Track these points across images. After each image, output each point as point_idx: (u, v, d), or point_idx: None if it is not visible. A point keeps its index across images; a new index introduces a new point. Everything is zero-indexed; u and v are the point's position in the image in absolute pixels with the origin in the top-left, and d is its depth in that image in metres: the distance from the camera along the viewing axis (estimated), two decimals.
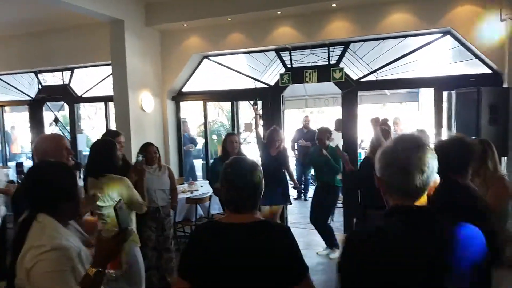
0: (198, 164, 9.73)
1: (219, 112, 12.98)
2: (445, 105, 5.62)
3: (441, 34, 5.51)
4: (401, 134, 1.48)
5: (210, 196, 5.42)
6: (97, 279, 1.70)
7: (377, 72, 5.96)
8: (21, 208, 2.21)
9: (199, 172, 9.25)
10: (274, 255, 1.64)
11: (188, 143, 8.38)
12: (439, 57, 5.75)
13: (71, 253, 1.66)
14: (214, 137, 11.54)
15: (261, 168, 1.82)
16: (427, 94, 8.55)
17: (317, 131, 5.65)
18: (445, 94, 5.59)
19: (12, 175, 7.64)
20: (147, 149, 4.47)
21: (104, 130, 7.71)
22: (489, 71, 5.30)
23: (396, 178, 1.36)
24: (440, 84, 5.59)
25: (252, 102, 5.75)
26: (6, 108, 9.60)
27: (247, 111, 8.74)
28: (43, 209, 1.76)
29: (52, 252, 1.61)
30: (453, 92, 5.16)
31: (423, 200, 1.38)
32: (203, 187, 6.08)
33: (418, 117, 9.59)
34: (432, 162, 1.35)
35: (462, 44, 5.37)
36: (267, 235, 1.70)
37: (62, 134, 8.15)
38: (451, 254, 1.29)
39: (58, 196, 1.78)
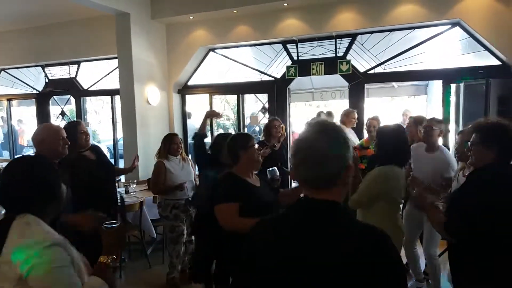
0: None
1: (225, 105, 12.95)
2: (453, 98, 5.56)
3: (450, 26, 5.43)
4: (310, 121, 1.37)
5: None
6: (113, 265, 1.76)
7: (385, 64, 5.90)
8: None
9: None
10: None
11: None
12: (448, 49, 5.67)
13: (70, 247, 1.59)
14: (221, 130, 11.53)
15: None
16: (436, 87, 8.46)
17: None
18: (453, 86, 5.53)
19: None
20: (172, 139, 4.41)
21: (110, 124, 7.76)
22: (498, 62, 5.22)
23: (299, 168, 1.26)
24: (448, 76, 5.52)
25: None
26: (13, 102, 9.65)
27: (253, 104, 8.71)
28: (26, 208, 1.59)
29: (53, 248, 1.50)
30: (461, 84, 5.10)
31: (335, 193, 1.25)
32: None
33: (428, 111, 9.51)
34: (336, 149, 1.22)
35: (471, 35, 5.29)
36: None
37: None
38: (319, 254, 1.16)
39: (43, 193, 1.63)
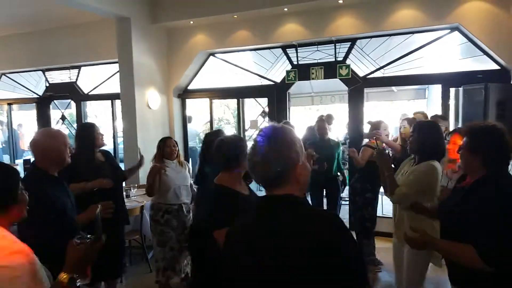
0: None
1: (225, 109, 12.97)
2: (452, 102, 5.59)
3: (449, 30, 5.46)
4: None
5: None
6: (70, 285, 1.59)
7: (384, 68, 5.93)
8: None
9: None
10: None
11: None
12: (447, 53, 5.70)
13: (34, 256, 1.51)
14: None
15: None
16: (435, 92, 8.49)
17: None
18: (452, 90, 5.55)
19: (20, 171, 7.70)
20: (165, 142, 4.35)
21: (111, 129, 7.78)
22: (497, 67, 5.25)
23: (251, 172, 1.42)
24: (447, 80, 5.55)
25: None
26: (14, 106, 9.67)
27: (252, 108, 8.74)
28: None
29: (17, 255, 1.45)
30: (460, 89, 5.12)
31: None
32: None
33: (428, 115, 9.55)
34: (277, 152, 1.34)
35: (470, 40, 5.32)
36: None
37: (69, 131, 8.21)
38: (281, 247, 1.27)
39: (5, 199, 1.60)
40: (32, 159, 2.72)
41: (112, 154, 4.13)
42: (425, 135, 2.98)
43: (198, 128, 9.81)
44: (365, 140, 5.08)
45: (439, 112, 5.54)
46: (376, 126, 4.88)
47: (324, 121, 5.67)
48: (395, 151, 4.76)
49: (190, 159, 7.57)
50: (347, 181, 5.78)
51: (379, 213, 5.49)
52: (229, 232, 1.51)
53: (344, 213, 6.62)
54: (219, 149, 2.56)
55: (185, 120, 7.44)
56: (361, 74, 6.02)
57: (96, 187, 3.49)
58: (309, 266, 1.22)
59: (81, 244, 1.70)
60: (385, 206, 6.07)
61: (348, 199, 6.23)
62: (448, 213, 2.23)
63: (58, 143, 2.52)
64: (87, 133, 3.65)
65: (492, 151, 2.06)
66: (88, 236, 1.77)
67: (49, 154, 2.49)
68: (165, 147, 4.30)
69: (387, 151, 4.39)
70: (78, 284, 1.64)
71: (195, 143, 8.93)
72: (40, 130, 2.73)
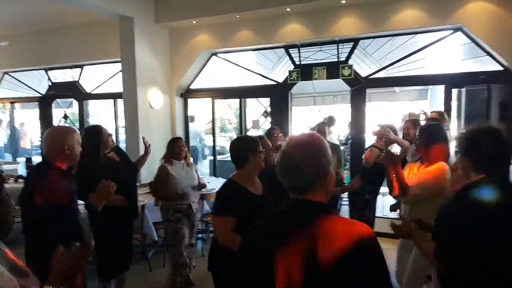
0: (205, 161, 9.77)
1: (227, 109, 12.96)
2: (454, 103, 5.58)
3: (452, 31, 5.45)
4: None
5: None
6: None
7: (387, 69, 5.92)
8: None
9: (206, 169, 9.27)
10: None
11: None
12: (449, 54, 5.69)
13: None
14: (223, 133, 11.58)
15: None
16: (438, 92, 8.47)
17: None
18: (455, 91, 5.54)
19: (22, 170, 7.74)
20: (175, 142, 4.38)
21: (113, 128, 7.79)
22: (500, 68, 5.24)
23: (280, 176, 1.41)
24: (450, 81, 5.54)
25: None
26: (16, 105, 9.70)
27: (254, 108, 8.75)
28: None
29: None
30: (463, 90, 5.11)
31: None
32: (210, 183, 6.08)
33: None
34: (309, 160, 1.35)
35: (473, 40, 5.31)
36: None
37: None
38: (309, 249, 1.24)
39: None
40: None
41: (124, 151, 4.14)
42: (434, 138, 3.02)
43: (200, 128, 9.83)
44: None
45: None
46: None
47: (324, 124, 5.64)
48: (403, 149, 4.69)
49: (192, 158, 7.56)
50: (346, 182, 5.76)
51: (378, 214, 5.48)
52: (248, 232, 1.50)
53: (343, 214, 6.60)
54: (230, 149, 2.74)
55: (187, 120, 7.45)
56: (363, 74, 6.02)
57: (116, 203, 3.44)
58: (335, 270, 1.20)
59: (67, 252, 1.58)
60: (386, 206, 6.05)
61: (347, 199, 6.21)
62: (437, 217, 2.20)
63: (68, 138, 2.53)
64: (94, 137, 3.55)
65: (484, 155, 1.98)
66: (76, 243, 1.67)
67: (57, 147, 2.50)
68: (174, 147, 4.33)
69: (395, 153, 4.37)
70: None
71: (196, 142, 8.95)
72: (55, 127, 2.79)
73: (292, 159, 1.36)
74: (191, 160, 4.91)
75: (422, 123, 4.53)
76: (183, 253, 4.25)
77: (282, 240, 1.30)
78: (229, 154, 2.76)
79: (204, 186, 4.63)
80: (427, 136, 3.06)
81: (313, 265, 1.21)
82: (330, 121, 7.86)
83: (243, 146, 2.64)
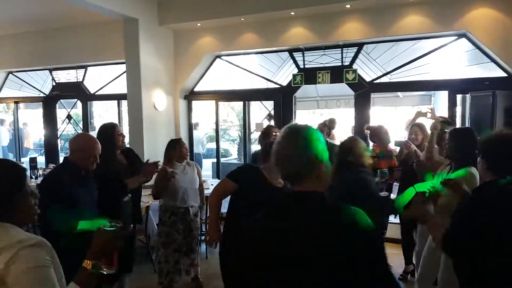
0: (208, 163, 9.80)
1: (230, 111, 12.99)
2: (459, 109, 5.58)
3: (456, 37, 5.47)
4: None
5: None
6: (95, 271, 1.55)
7: (391, 74, 5.93)
8: None
9: (208, 172, 9.29)
10: None
11: None
12: (454, 60, 5.70)
13: (52, 250, 1.47)
14: (226, 136, 11.62)
15: None
16: (441, 98, 8.48)
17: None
18: (459, 97, 5.55)
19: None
20: (176, 144, 4.30)
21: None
22: (504, 74, 5.24)
23: (276, 167, 1.47)
24: (454, 87, 5.55)
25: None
26: (20, 105, 9.72)
27: (257, 111, 8.77)
28: None
29: (36, 247, 1.41)
30: (468, 95, 5.12)
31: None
32: (213, 186, 6.08)
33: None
34: (301, 150, 1.40)
35: (478, 47, 5.33)
36: None
37: (75, 131, 8.24)
38: (310, 241, 1.30)
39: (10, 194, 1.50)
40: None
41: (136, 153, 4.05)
42: (461, 142, 3.05)
43: (203, 132, 9.86)
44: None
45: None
46: (376, 132, 4.87)
47: (324, 125, 5.70)
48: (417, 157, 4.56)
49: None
50: None
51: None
52: (250, 222, 1.52)
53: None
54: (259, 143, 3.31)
55: (190, 121, 7.46)
56: (367, 79, 6.03)
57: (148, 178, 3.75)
58: (337, 253, 1.27)
59: (108, 230, 1.65)
60: None
61: None
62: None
63: (89, 147, 2.79)
64: (106, 135, 3.47)
65: (498, 158, 2.12)
66: (117, 224, 1.72)
67: (79, 152, 2.78)
68: (175, 149, 4.26)
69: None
70: (104, 273, 1.59)
71: (199, 150, 8.98)
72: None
73: (283, 148, 1.42)
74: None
75: (429, 121, 4.45)
76: (168, 259, 4.18)
77: (282, 229, 1.36)
78: (232, 157, 2.94)
79: (202, 208, 4.68)
80: (456, 140, 3.09)
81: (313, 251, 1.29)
82: (330, 123, 7.85)
83: (262, 148, 3.11)
